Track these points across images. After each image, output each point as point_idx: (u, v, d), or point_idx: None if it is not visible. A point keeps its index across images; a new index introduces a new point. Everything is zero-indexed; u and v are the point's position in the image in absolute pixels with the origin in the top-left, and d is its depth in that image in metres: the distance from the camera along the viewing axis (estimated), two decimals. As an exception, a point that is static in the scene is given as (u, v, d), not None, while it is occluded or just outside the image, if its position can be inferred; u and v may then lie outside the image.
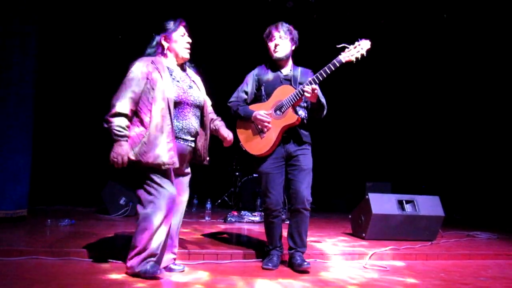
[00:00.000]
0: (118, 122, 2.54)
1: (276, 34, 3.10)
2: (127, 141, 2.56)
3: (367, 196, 4.28)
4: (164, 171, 2.61)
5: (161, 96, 2.60)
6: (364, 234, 4.24)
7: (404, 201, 4.33)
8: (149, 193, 2.59)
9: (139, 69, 2.63)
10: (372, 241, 4.11)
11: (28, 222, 4.32)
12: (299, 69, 3.22)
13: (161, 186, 2.60)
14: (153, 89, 2.60)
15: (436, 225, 4.35)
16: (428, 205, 4.36)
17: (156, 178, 2.59)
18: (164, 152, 2.57)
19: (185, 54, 2.81)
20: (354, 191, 7.36)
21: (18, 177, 4.37)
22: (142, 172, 2.60)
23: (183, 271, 2.87)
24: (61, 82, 6.53)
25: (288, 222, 3.26)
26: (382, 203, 4.24)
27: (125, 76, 2.63)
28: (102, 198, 5.34)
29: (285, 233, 3.21)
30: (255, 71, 3.27)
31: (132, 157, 2.55)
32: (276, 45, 3.11)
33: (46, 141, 6.14)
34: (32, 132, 4.53)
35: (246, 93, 3.24)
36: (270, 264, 3.05)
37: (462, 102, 7.27)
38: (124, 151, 2.52)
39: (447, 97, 7.40)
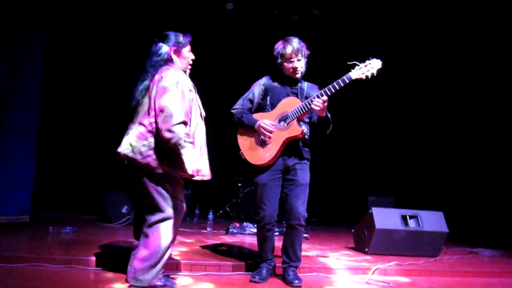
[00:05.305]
0: (183, 130, 2.50)
1: (294, 57, 3.04)
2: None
3: (370, 211, 4.26)
4: (181, 185, 2.64)
5: (197, 109, 2.67)
6: (367, 249, 4.21)
7: (407, 216, 4.30)
8: (169, 206, 2.57)
9: (183, 80, 2.62)
10: (375, 256, 4.07)
11: (30, 229, 4.31)
12: (306, 83, 3.22)
13: (178, 200, 2.61)
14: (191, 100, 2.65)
15: (440, 241, 4.32)
16: (432, 221, 4.33)
17: (174, 191, 2.59)
18: (204, 164, 2.66)
19: (188, 70, 2.83)
20: (356, 205, 7.31)
21: (21, 183, 4.37)
22: (161, 185, 2.55)
23: None
24: (66, 89, 6.56)
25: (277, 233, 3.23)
26: (385, 218, 4.22)
27: (170, 84, 2.54)
28: (104, 206, 5.33)
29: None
30: (262, 81, 3.23)
31: (170, 168, 2.52)
32: (295, 68, 3.07)
33: (50, 147, 6.14)
34: (38, 140, 4.54)
35: (251, 101, 3.20)
36: (257, 277, 3.02)
37: (467, 118, 7.26)
38: (194, 157, 2.55)
39: (451, 112, 7.39)
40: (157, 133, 2.52)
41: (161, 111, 2.47)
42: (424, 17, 6.31)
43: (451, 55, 6.94)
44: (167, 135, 2.45)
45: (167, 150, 2.52)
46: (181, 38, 2.76)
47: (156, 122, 2.52)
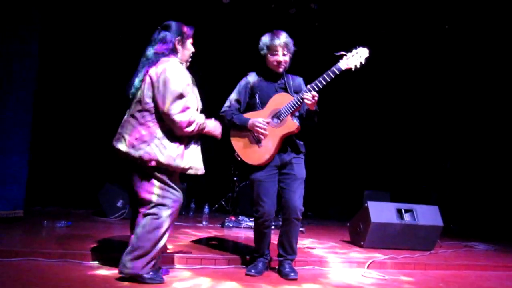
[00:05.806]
0: (196, 113, 2.63)
1: (280, 50, 2.99)
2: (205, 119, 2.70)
3: (366, 204, 4.27)
4: (176, 176, 2.62)
5: (196, 102, 2.66)
6: (362, 242, 4.22)
7: (403, 210, 4.32)
8: (164, 197, 2.56)
9: (184, 72, 2.61)
10: (370, 250, 4.08)
11: (24, 223, 4.28)
12: (290, 76, 3.18)
13: (175, 190, 2.60)
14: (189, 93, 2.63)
15: (435, 235, 4.34)
16: (427, 215, 4.35)
17: (171, 182, 2.59)
18: (198, 158, 2.69)
19: (188, 62, 2.78)
20: (352, 199, 7.33)
21: (15, 178, 4.34)
22: (155, 177, 2.55)
23: None
24: (60, 84, 6.50)
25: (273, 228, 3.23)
26: (381, 212, 4.23)
27: (172, 79, 2.52)
28: (99, 200, 5.30)
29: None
30: (247, 79, 3.17)
31: (163, 161, 2.51)
32: (280, 62, 3.01)
33: (44, 141, 6.10)
34: (31, 134, 4.50)
35: (239, 102, 3.14)
36: (253, 271, 3.01)
37: (461, 112, 7.28)
38: (215, 123, 2.79)
39: (446, 107, 7.41)
40: (148, 125, 2.52)
41: (173, 107, 2.49)
42: (421, 12, 6.30)
43: (447, 50, 6.94)
44: (189, 129, 2.54)
45: (160, 143, 2.51)
46: (185, 29, 2.71)
47: (157, 115, 2.53)
